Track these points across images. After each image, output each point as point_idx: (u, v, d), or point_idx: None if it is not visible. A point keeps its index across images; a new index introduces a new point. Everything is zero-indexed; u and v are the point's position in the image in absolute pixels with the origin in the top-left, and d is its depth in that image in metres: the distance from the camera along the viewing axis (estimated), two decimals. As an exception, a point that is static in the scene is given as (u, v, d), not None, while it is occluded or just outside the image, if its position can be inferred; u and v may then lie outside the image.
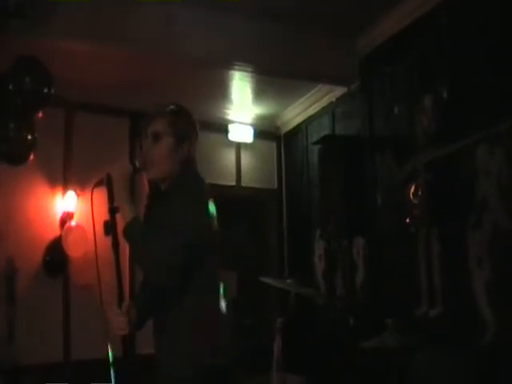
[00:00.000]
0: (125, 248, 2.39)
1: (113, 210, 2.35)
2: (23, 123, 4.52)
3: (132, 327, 2.43)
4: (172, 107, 2.56)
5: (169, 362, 2.38)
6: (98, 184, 2.41)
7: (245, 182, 6.86)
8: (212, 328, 2.37)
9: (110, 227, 2.35)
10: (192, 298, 2.33)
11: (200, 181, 2.49)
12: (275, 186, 7.07)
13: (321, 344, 5.24)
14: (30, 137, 4.54)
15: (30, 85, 4.33)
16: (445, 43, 4.20)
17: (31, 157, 4.62)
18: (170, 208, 2.32)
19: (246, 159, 6.92)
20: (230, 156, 6.82)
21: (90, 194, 2.41)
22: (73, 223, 5.57)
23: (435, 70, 4.27)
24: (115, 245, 2.39)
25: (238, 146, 6.87)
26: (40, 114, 4.59)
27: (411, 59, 4.55)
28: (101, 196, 2.40)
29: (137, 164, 2.44)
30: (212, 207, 2.42)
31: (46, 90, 4.40)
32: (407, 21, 4.59)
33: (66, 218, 5.60)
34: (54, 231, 5.59)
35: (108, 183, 2.38)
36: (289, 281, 4.82)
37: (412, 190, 4.20)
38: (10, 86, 4.24)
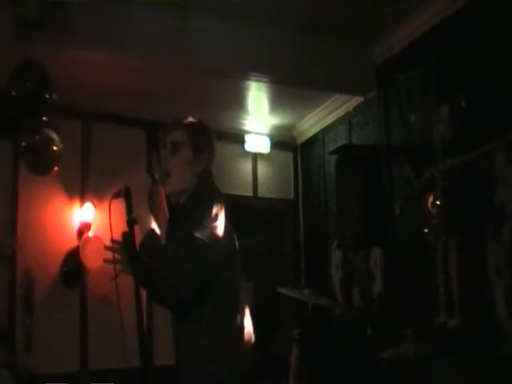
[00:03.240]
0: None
1: (131, 222, 2.35)
2: (51, 134, 4.54)
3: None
4: (191, 120, 2.58)
5: (185, 375, 2.37)
6: (117, 195, 2.41)
7: (261, 193, 6.85)
8: (230, 343, 2.36)
9: (127, 239, 2.35)
10: (210, 312, 2.32)
11: (217, 193, 2.49)
12: (292, 197, 7.05)
13: (338, 355, 5.19)
14: (55, 148, 4.56)
15: (31, 90, 4.29)
16: (462, 51, 4.18)
17: (55, 168, 4.64)
18: (186, 222, 2.32)
19: (262, 169, 6.91)
20: (247, 166, 6.81)
21: (107, 205, 2.41)
22: (90, 234, 5.58)
23: (452, 78, 4.24)
24: (133, 256, 2.39)
25: (255, 157, 6.87)
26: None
27: (428, 67, 4.52)
28: (118, 207, 2.40)
29: (155, 176, 2.44)
30: (228, 220, 2.41)
31: (47, 95, 4.35)
32: (424, 29, 4.57)
33: (84, 228, 5.61)
34: (72, 242, 5.60)
35: (126, 195, 2.37)
36: (306, 291, 4.79)
37: (430, 199, 4.17)
38: (13, 93, 4.23)
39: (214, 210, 2.34)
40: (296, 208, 7.01)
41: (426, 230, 4.28)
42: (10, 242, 3.91)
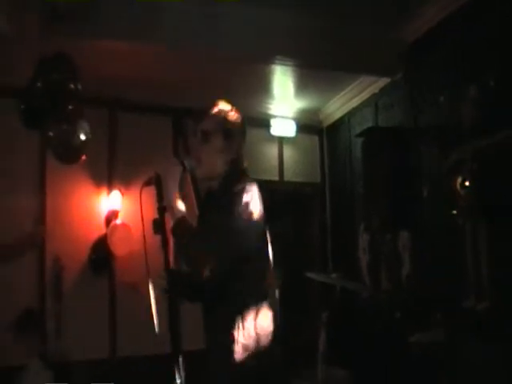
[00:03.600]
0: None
1: (162, 210, 2.36)
2: (78, 124, 4.57)
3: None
4: (222, 107, 2.56)
5: (219, 362, 2.38)
6: (147, 183, 2.42)
7: (287, 177, 6.83)
8: (261, 329, 2.35)
9: (158, 226, 2.36)
10: (243, 292, 2.34)
11: (248, 180, 2.47)
12: (318, 180, 7.02)
13: (366, 338, 5.18)
14: (83, 137, 4.58)
15: (56, 81, 4.30)
16: (490, 30, 4.10)
17: (83, 157, 4.68)
18: (217, 209, 2.34)
19: (288, 154, 6.89)
20: (273, 151, 6.80)
21: (134, 193, 2.43)
22: (118, 222, 5.62)
23: (481, 58, 4.17)
24: (164, 243, 2.40)
25: (281, 141, 6.84)
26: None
27: (456, 47, 4.46)
28: (148, 195, 2.41)
29: (185, 164, 2.44)
30: (260, 206, 2.40)
31: (72, 86, 4.36)
32: (451, 8, 4.50)
33: (111, 216, 5.65)
34: (100, 230, 5.66)
35: (157, 182, 2.38)
36: (334, 275, 4.78)
37: (458, 180, 4.11)
38: (38, 84, 4.25)
39: (245, 197, 2.33)
40: (322, 192, 6.99)
41: (454, 212, 4.23)
42: (39, 231, 3.95)
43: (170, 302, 2.37)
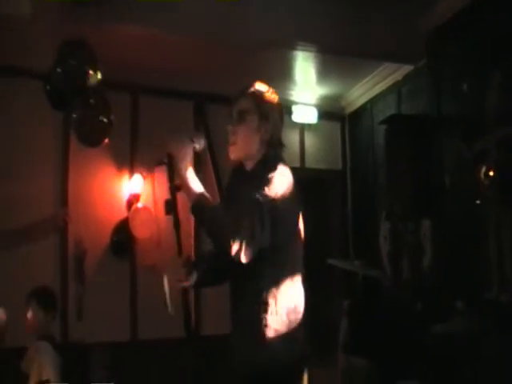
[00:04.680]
0: (187, 226, 2.39)
1: (174, 189, 2.36)
2: (101, 107, 4.58)
3: (190, 281, 2.45)
4: (258, 86, 2.53)
5: (245, 349, 2.36)
6: (160, 163, 2.42)
7: (309, 164, 6.82)
8: (290, 316, 2.33)
9: (171, 206, 2.36)
10: (268, 284, 2.30)
11: (282, 164, 2.42)
12: (340, 167, 7.00)
13: (387, 327, 5.17)
14: (106, 120, 4.61)
15: (74, 66, 4.29)
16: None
17: (106, 140, 4.70)
18: (249, 188, 2.28)
19: (309, 140, 6.87)
20: (294, 137, 6.77)
21: (157, 176, 2.42)
22: (139, 205, 5.65)
23: (506, 45, 4.10)
24: (177, 223, 2.40)
25: (302, 128, 6.82)
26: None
27: (480, 34, 4.38)
28: (164, 176, 2.41)
29: (195, 143, 2.42)
30: (294, 190, 2.36)
31: (91, 71, 4.34)
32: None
33: (133, 199, 5.68)
34: (121, 213, 5.69)
35: (169, 162, 2.38)
36: (356, 262, 4.76)
37: (482, 170, 4.06)
38: (58, 69, 4.25)
39: (278, 181, 2.29)
40: (344, 179, 6.97)
41: (478, 202, 4.19)
42: (61, 213, 3.97)
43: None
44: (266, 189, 2.23)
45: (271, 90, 2.56)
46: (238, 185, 2.52)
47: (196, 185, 2.30)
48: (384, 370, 4.65)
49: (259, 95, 2.49)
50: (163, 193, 2.36)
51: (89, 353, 4.76)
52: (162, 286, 2.45)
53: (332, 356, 4.71)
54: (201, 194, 2.28)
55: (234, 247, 2.12)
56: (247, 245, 2.13)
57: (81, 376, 4.14)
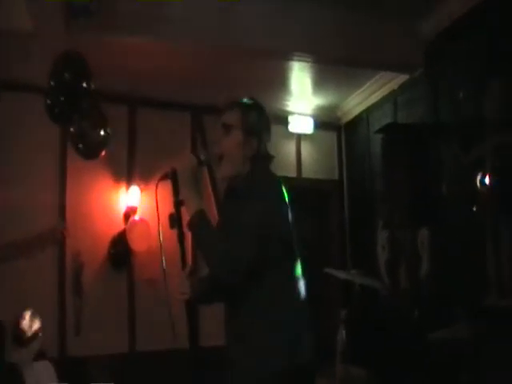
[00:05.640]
0: (189, 240, 2.39)
1: (178, 204, 2.36)
2: (98, 120, 4.60)
3: (193, 295, 2.42)
4: (245, 100, 2.51)
5: (245, 362, 2.32)
6: (163, 178, 2.42)
7: (306, 174, 6.83)
8: (289, 326, 2.30)
9: (175, 220, 2.36)
10: (267, 295, 2.28)
11: (272, 178, 2.42)
12: (336, 177, 7.01)
13: (385, 336, 5.16)
14: (103, 133, 4.62)
15: (69, 80, 4.31)
16: (511, 24, 4.06)
17: (103, 152, 4.71)
18: (239, 207, 2.28)
19: (306, 150, 6.88)
20: (291, 147, 6.79)
21: (153, 189, 2.43)
22: (137, 218, 5.65)
23: (502, 53, 4.13)
24: (181, 238, 2.40)
25: (299, 138, 6.84)
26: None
27: (477, 42, 4.41)
28: (164, 190, 2.42)
29: (201, 157, 2.43)
30: (286, 204, 2.36)
31: (84, 84, 4.35)
32: (471, 3, 4.45)
33: (130, 212, 5.69)
34: (119, 225, 5.69)
35: (173, 177, 2.38)
36: (353, 271, 4.76)
37: (479, 177, 4.07)
38: (52, 83, 4.27)
39: (268, 197, 2.29)
40: (341, 188, 6.97)
41: (474, 209, 4.20)
42: (59, 226, 3.96)
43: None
44: (253, 206, 2.23)
45: (259, 104, 2.53)
46: (228, 203, 2.53)
47: (196, 201, 2.31)
48: (382, 379, 4.64)
49: (245, 110, 2.46)
50: (166, 207, 2.36)
51: (87, 365, 4.75)
52: (169, 313, 2.44)
53: (330, 366, 4.69)
54: (199, 211, 2.28)
55: (225, 271, 2.20)
56: (237, 268, 2.17)
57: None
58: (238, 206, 2.31)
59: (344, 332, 4.63)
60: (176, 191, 2.38)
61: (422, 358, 4.26)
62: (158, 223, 2.44)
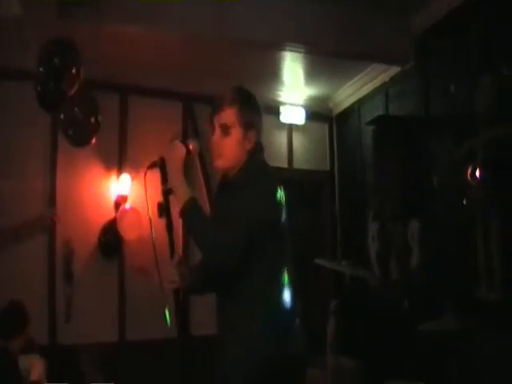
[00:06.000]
0: (178, 229, 2.40)
1: (167, 192, 2.37)
2: (89, 106, 4.57)
3: (182, 285, 2.44)
4: (241, 96, 2.50)
5: (234, 351, 2.35)
6: (151, 166, 2.43)
7: (297, 164, 6.82)
8: (278, 315, 2.33)
9: (163, 209, 2.37)
10: (257, 284, 2.31)
11: (267, 169, 2.46)
12: (327, 168, 7.01)
13: (375, 327, 5.19)
14: (93, 120, 4.60)
15: (58, 66, 4.25)
16: (503, 18, 4.06)
17: (93, 140, 4.69)
18: (235, 197, 2.31)
19: (297, 141, 6.87)
20: (282, 138, 6.78)
21: (143, 177, 2.43)
22: (127, 206, 5.63)
23: (494, 46, 4.13)
24: (169, 227, 2.41)
25: (290, 128, 6.83)
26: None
27: (469, 36, 4.42)
28: (154, 178, 2.42)
29: (190, 146, 2.43)
30: (281, 195, 2.37)
31: (74, 71, 4.30)
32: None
33: (121, 200, 5.67)
34: (109, 214, 5.68)
35: (161, 166, 2.40)
36: (344, 262, 4.77)
37: (470, 170, 4.09)
38: (41, 68, 4.23)
39: (263, 188, 2.33)
40: (332, 180, 6.98)
41: (465, 202, 4.22)
42: (49, 213, 3.95)
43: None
44: (249, 195, 2.26)
45: (249, 93, 2.54)
46: (223, 194, 2.55)
47: (184, 190, 2.32)
48: (373, 370, 4.67)
49: (243, 104, 2.47)
50: (155, 195, 2.37)
51: (77, 354, 4.75)
52: (164, 299, 2.44)
53: (321, 356, 4.71)
54: (191, 199, 2.30)
55: (220, 257, 2.22)
56: (232, 253, 2.20)
57: (70, 377, 4.12)
58: (233, 196, 2.34)
59: (334, 323, 4.64)
60: (164, 180, 2.39)
61: (412, 349, 4.29)
62: (148, 212, 2.44)
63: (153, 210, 2.40)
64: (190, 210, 2.29)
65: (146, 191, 2.41)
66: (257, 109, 2.53)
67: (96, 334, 5.27)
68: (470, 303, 4.04)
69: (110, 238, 5.57)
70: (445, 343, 3.90)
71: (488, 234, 4.02)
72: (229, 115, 2.44)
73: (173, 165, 2.36)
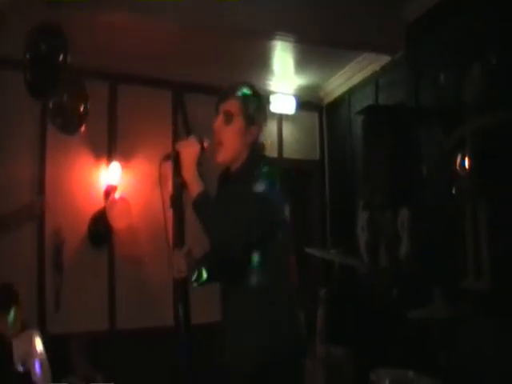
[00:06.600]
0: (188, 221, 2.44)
1: (179, 185, 2.42)
2: (78, 94, 4.54)
3: (190, 274, 2.47)
4: (246, 88, 2.57)
5: (238, 339, 2.43)
6: (166, 158, 2.49)
7: (287, 154, 6.83)
8: (281, 304, 2.42)
9: (175, 201, 2.42)
10: (262, 273, 2.38)
11: (268, 166, 2.49)
12: (317, 158, 7.03)
13: (365, 315, 5.22)
14: (82, 108, 4.58)
15: (45, 53, 4.21)
16: (493, 8, 4.07)
17: (83, 127, 4.67)
18: (238, 192, 2.40)
19: (287, 130, 6.88)
20: (272, 127, 6.77)
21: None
22: (117, 195, 5.62)
23: (484, 36, 4.14)
24: (180, 219, 2.46)
25: (280, 117, 6.83)
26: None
27: (459, 26, 4.42)
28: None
29: (204, 143, 2.48)
30: (281, 190, 2.43)
31: (61, 57, 4.25)
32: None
33: (110, 190, 5.65)
34: (99, 203, 5.65)
35: (175, 159, 2.45)
36: (333, 251, 4.79)
37: (459, 159, 4.11)
38: (27, 55, 4.19)
39: (264, 183, 2.37)
40: (322, 169, 7.00)
41: (454, 191, 4.23)
42: (39, 202, 3.94)
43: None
44: (256, 186, 2.32)
45: (259, 91, 2.61)
46: (227, 188, 2.60)
47: (197, 184, 2.38)
48: (362, 358, 4.70)
49: (247, 98, 2.53)
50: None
51: (67, 343, 4.74)
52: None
53: (311, 345, 4.73)
54: (204, 192, 2.36)
55: (230, 246, 2.29)
56: (243, 244, 2.29)
57: (61, 366, 4.12)
58: (237, 191, 2.43)
59: (323, 311, 4.66)
60: (177, 173, 2.44)
61: (401, 337, 4.32)
62: (163, 202, 2.47)
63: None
64: (203, 202, 2.35)
65: (160, 182, 2.45)
66: (262, 108, 2.61)
67: (86, 323, 5.26)
68: (459, 291, 4.07)
69: (100, 227, 5.56)
70: (434, 331, 3.93)
71: (476, 223, 4.05)
72: (234, 104, 2.51)
73: (188, 159, 2.41)
